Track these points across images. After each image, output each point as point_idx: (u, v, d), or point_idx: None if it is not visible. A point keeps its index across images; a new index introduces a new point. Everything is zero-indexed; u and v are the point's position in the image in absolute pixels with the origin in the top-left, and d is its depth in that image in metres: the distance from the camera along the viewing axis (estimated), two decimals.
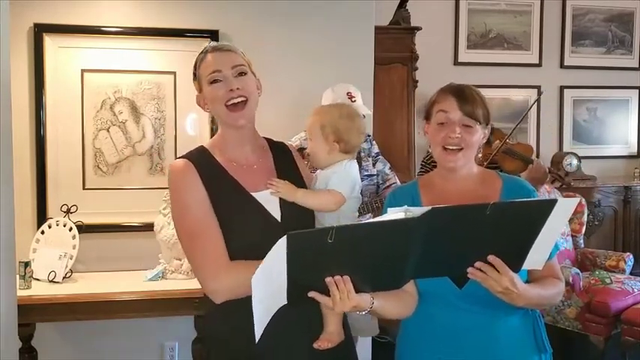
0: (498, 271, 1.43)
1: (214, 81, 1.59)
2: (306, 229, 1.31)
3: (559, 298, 1.69)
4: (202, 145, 1.68)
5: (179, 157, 1.64)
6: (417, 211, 1.33)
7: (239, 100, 1.59)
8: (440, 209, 1.34)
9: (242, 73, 1.61)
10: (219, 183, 1.58)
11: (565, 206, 1.43)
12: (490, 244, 1.43)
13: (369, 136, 3.11)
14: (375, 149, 3.08)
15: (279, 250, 1.28)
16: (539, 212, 1.41)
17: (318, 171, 1.79)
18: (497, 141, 3.26)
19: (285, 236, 1.26)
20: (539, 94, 3.46)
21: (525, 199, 1.55)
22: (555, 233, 1.49)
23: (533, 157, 3.31)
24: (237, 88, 1.58)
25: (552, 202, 1.39)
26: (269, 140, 1.77)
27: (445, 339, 1.61)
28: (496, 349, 1.60)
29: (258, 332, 1.36)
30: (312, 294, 1.38)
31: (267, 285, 1.34)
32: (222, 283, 1.51)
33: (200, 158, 1.61)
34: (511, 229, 1.42)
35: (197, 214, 1.54)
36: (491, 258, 1.43)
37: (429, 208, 1.35)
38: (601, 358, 3.66)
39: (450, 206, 1.36)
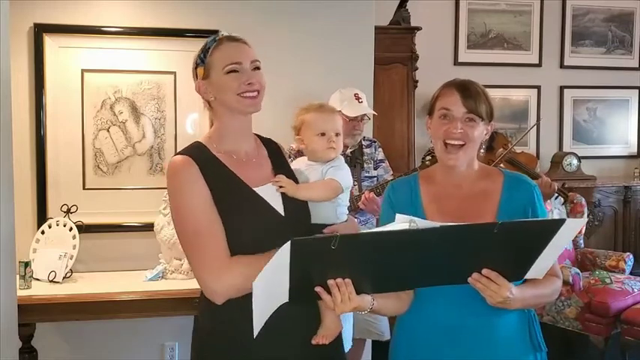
0: (497, 283, 1.45)
1: (232, 71, 1.59)
2: (311, 236, 1.35)
3: (556, 295, 1.69)
4: (198, 141, 1.66)
5: (177, 153, 1.62)
6: (421, 224, 1.35)
7: (254, 94, 1.60)
8: (446, 227, 1.35)
9: (257, 68, 1.63)
10: (221, 179, 1.57)
11: (572, 225, 1.44)
12: (493, 257, 1.44)
13: (374, 141, 3.14)
14: (380, 155, 3.12)
15: (283, 254, 1.30)
16: (546, 231, 1.42)
17: (296, 164, 1.84)
18: (501, 149, 3.23)
19: (290, 242, 1.28)
20: (538, 119, 3.52)
21: (533, 220, 1.56)
22: (559, 249, 1.50)
23: (537, 169, 3.29)
24: (255, 82, 1.60)
25: (560, 222, 1.40)
26: (259, 136, 1.78)
27: (442, 336, 1.61)
28: (492, 348, 1.60)
29: (257, 328, 1.40)
30: (318, 289, 1.41)
31: (268, 285, 1.36)
32: (224, 283, 1.50)
33: (199, 154, 1.60)
34: (516, 245, 1.43)
35: (199, 212, 1.53)
36: (485, 271, 1.44)
37: (436, 224, 1.36)
38: (601, 358, 3.66)
39: (457, 225, 1.37)
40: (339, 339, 1.66)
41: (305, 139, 1.81)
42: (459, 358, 1.60)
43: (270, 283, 1.36)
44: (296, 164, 1.84)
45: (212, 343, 1.60)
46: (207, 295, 1.53)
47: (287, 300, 1.43)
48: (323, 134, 1.77)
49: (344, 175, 1.77)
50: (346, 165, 1.83)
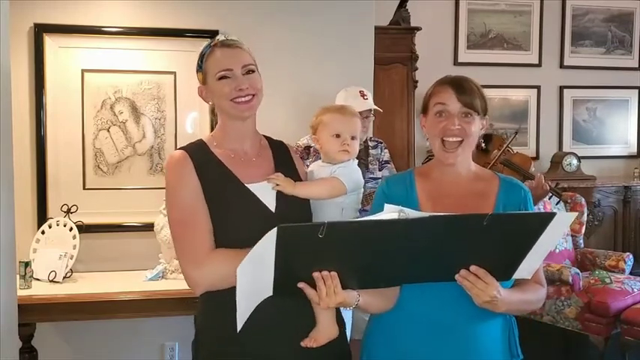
0: (485, 282, 1.43)
1: (223, 77, 1.61)
2: (298, 223, 1.32)
3: (540, 304, 1.69)
4: (201, 139, 1.71)
5: (177, 149, 1.68)
6: (411, 214, 1.33)
7: (247, 98, 1.62)
8: (436, 217, 1.33)
9: (250, 71, 1.64)
10: (214, 174, 1.61)
11: (562, 220, 1.43)
12: (483, 253, 1.42)
13: (380, 142, 3.14)
14: (386, 157, 3.11)
15: (269, 241, 1.28)
16: (536, 225, 1.40)
17: (311, 167, 1.82)
18: (496, 150, 3.24)
19: (276, 228, 1.27)
20: (517, 131, 3.62)
21: (524, 212, 1.55)
22: (549, 246, 1.48)
23: (532, 169, 3.30)
24: (247, 87, 1.61)
25: (550, 216, 1.38)
26: (268, 138, 1.80)
27: (423, 335, 1.58)
28: (471, 350, 1.58)
29: (241, 322, 1.39)
30: (301, 285, 1.40)
31: (253, 275, 1.34)
32: (202, 273, 1.53)
33: (197, 150, 1.65)
34: (506, 239, 1.41)
35: (186, 203, 1.57)
36: (473, 268, 1.43)
37: (425, 214, 1.35)
38: (601, 358, 3.66)
39: (447, 215, 1.35)
40: (342, 334, 1.65)
41: (320, 139, 1.78)
42: (438, 358, 1.57)
43: (254, 276, 1.34)
44: (312, 166, 1.83)
45: (210, 342, 1.61)
46: (188, 285, 1.58)
47: (271, 294, 1.41)
48: (338, 136, 1.74)
49: (350, 176, 1.72)
50: (357, 167, 1.78)
